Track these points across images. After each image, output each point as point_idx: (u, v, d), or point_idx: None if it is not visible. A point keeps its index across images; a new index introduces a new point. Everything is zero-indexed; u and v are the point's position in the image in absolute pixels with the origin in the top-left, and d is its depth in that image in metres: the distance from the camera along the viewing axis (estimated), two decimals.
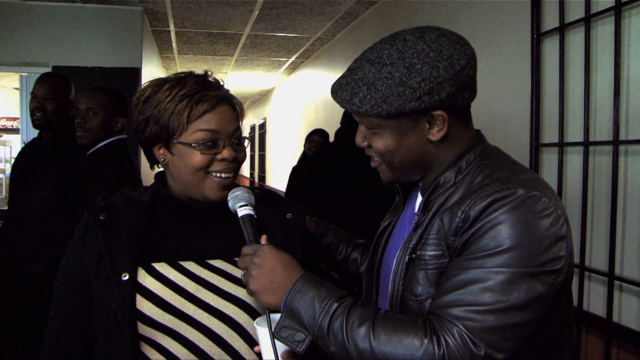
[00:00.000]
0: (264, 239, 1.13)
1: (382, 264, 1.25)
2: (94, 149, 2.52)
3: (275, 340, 1.04)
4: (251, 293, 1.07)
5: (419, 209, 1.13)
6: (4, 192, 5.63)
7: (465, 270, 0.95)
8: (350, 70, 1.09)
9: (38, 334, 2.53)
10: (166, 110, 1.17)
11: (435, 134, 1.07)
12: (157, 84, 1.21)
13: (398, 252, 1.10)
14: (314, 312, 0.99)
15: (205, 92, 1.18)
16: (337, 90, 1.09)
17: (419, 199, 1.17)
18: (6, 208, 2.86)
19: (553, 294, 0.97)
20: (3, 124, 9.66)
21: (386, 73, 1.02)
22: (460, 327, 0.91)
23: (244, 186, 1.22)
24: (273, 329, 1.02)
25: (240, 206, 1.16)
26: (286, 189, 5.32)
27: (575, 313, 2.15)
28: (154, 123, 1.19)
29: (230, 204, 1.18)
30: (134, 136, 1.27)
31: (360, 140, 1.14)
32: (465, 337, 0.90)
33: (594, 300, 2.15)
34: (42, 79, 2.72)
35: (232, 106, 1.24)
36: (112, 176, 2.35)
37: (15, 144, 7.27)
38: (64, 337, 1.19)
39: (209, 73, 1.25)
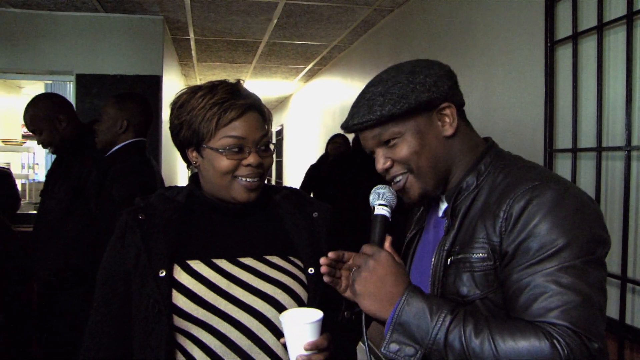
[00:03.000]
0: (388, 243, 1.15)
1: (411, 271, 1.28)
2: (109, 153, 2.58)
3: (301, 333, 1.09)
4: (353, 293, 1.08)
5: (444, 213, 1.19)
6: (27, 197, 5.74)
7: (535, 275, 0.97)
8: (357, 100, 1.18)
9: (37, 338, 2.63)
10: (197, 116, 1.25)
11: (448, 129, 1.15)
12: (192, 90, 1.29)
13: (433, 257, 1.14)
14: (427, 325, 0.98)
15: (233, 100, 1.25)
16: (353, 116, 1.16)
17: (442, 206, 1.22)
18: (30, 212, 2.95)
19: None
20: (26, 131, 9.81)
21: (393, 82, 1.13)
22: (572, 327, 0.92)
23: (389, 186, 1.22)
24: (382, 347, 1.01)
25: (379, 204, 1.18)
26: (302, 184, 5.46)
27: None
28: (187, 128, 1.27)
29: (370, 198, 1.20)
30: (172, 139, 1.34)
31: (382, 162, 1.17)
32: (580, 335, 0.92)
33: (607, 303, 2.16)
34: (23, 116, 2.70)
35: (260, 113, 1.30)
36: (126, 176, 2.39)
37: (38, 151, 7.40)
38: (105, 328, 1.26)
39: (241, 81, 1.31)
